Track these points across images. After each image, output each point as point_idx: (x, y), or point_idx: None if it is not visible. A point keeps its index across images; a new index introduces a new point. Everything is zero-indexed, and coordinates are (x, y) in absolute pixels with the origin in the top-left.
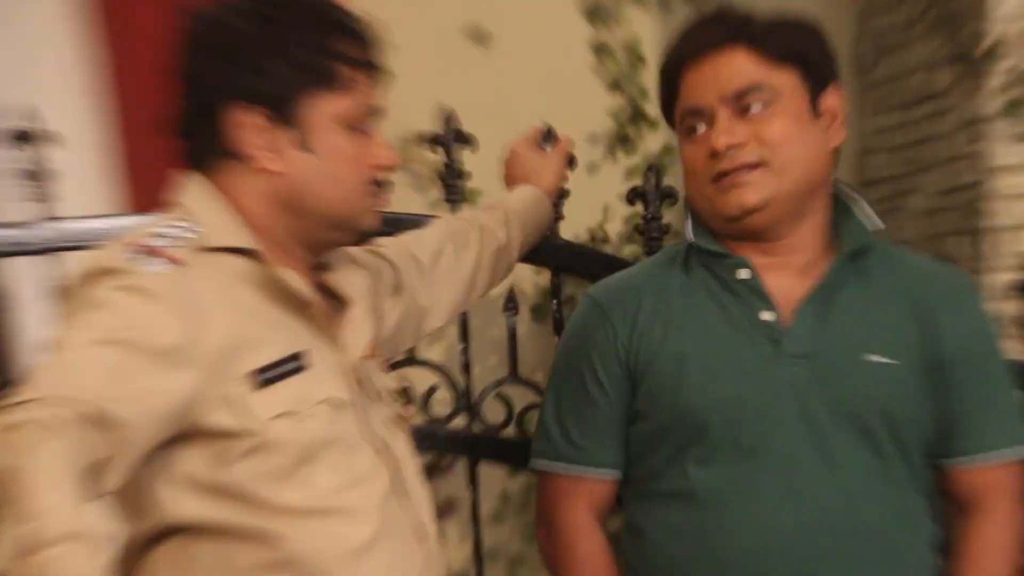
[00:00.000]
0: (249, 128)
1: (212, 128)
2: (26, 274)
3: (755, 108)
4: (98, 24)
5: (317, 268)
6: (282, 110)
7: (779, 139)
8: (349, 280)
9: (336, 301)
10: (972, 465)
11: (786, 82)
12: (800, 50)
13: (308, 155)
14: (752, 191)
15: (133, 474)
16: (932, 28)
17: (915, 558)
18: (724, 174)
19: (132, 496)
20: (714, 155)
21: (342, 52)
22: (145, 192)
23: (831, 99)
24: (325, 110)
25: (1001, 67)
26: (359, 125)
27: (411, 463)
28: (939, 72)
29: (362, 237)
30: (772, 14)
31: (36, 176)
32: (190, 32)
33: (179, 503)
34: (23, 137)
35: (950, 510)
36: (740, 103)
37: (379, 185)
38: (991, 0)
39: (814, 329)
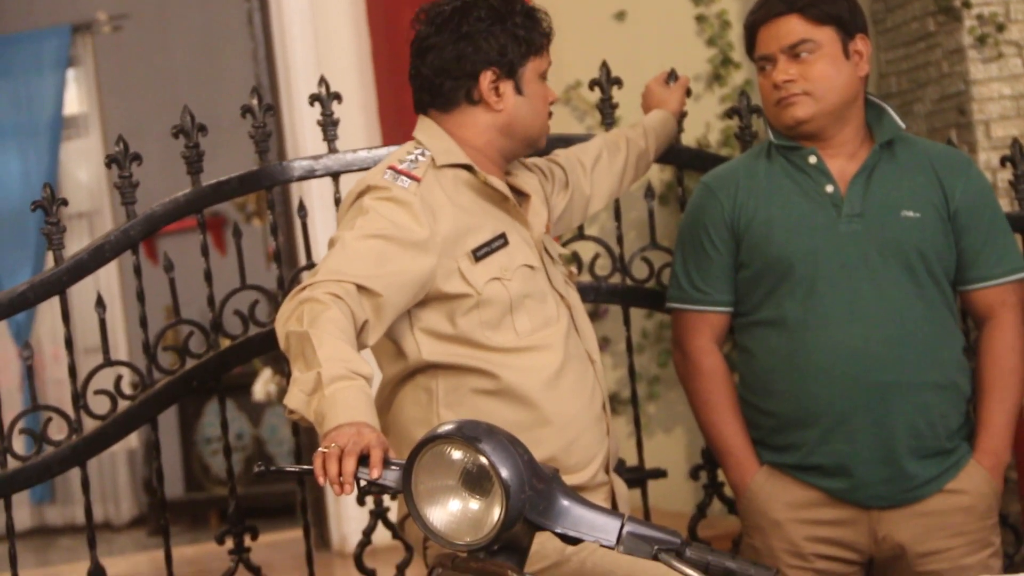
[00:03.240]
0: (486, 82)
1: (459, 83)
2: (317, 192)
3: (804, 55)
4: (372, 11)
5: (506, 173)
6: (508, 69)
7: (819, 76)
8: (526, 180)
9: (519, 195)
10: (983, 287)
11: (825, 36)
12: (835, 13)
13: (521, 97)
14: (800, 109)
15: (388, 331)
16: None
17: (949, 357)
18: (782, 99)
19: (390, 346)
20: (776, 87)
21: (541, 28)
22: (397, 131)
23: (858, 44)
24: (532, 67)
25: (972, 13)
26: (544, 76)
27: (581, 308)
28: (929, 19)
29: (537, 152)
30: None
31: (323, 123)
32: (441, 19)
33: (424, 348)
34: (315, 97)
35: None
36: (793, 51)
37: (550, 116)
38: None
39: (862, 196)
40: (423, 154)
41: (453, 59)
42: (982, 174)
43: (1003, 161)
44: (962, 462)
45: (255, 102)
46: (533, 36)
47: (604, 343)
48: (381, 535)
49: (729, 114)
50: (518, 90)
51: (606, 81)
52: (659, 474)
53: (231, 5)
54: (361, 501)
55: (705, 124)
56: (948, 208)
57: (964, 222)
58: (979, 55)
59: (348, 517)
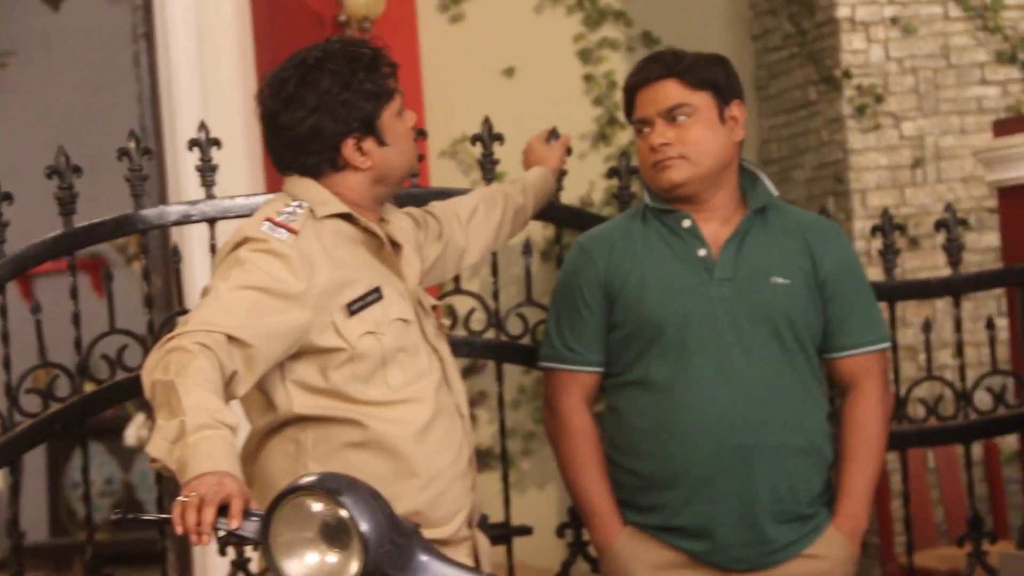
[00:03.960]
0: (349, 149)
1: (321, 157)
2: (196, 237)
3: (680, 119)
4: (260, 58)
5: (381, 218)
6: (366, 127)
7: (695, 140)
8: (400, 228)
9: (393, 245)
10: (848, 355)
11: (701, 101)
12: (711, 79)
13: (386, 147)
14: (674, 172)
15: (259, 383)
16: (805, 61)
17: (813, 423)
18: (659, 161)
19: (260, 398)
20: (653, 149)
21: (384, 71)
22: (278, 178)
23: (735, 110)
24: (388, 113)
25: (852, 83)
26: (402, 110)
27: (452, 361)
28: (810, 88)
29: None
30: (694, 54)
31: (201, 168)
32: (286, 94)
33: (295, 400)
34: (194, 142)
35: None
36: (670, 115)
37: (418, 137)
38: (843, 41)
39: (734, 261)
40: (300, 206)
41: (310, 135)
42: (850, 244)
43: (874, 231)
44: (821, 527)
45: (132, 145)
46: (381, 85)
47: (480, 397)
48: None
49: (609, 174)
50: (380, 142)
51: (488, 137)
52: (524, 531)
53: (118, 46)
54: (222, 552)
55: (589, 183)
56: (817, 276)
57: (832, 291)
58: (857, 125)
59: (212, 567)
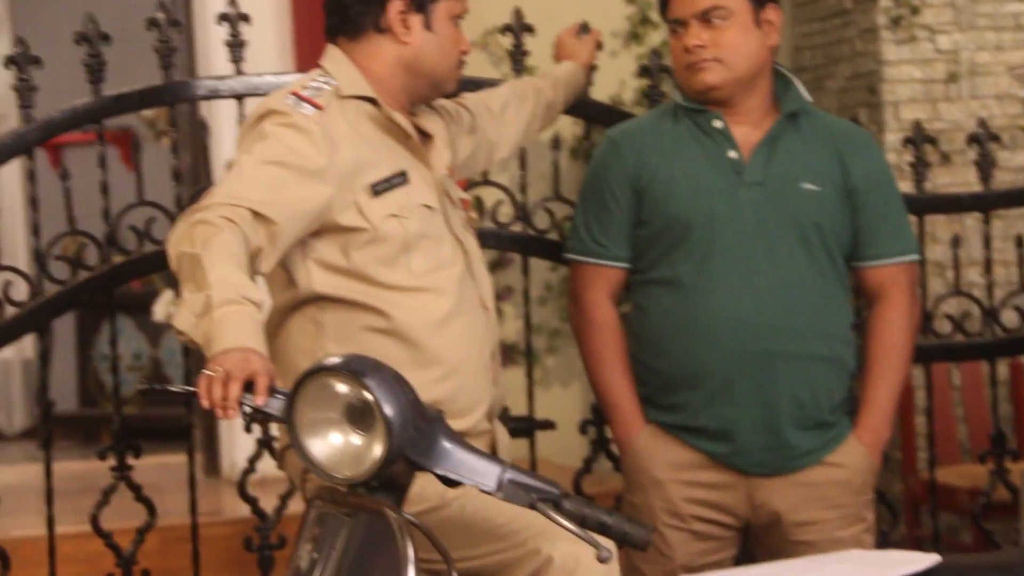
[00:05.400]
0: (394, 11)
1: (368, 9)
2: (224, 113)
3: (716, 20)
4: None
5: (411, 113)
6: (418, 2)
7: (729, 43)
8: (431, 121)
9: (423, 136)
10: (876, 265)
11: (737, 4)
12: None
13: (429, 33)
14: (708, 75)
15: (282, 259)
16: None
17: (837, 331)
18: (693, 63)
19: (282, 274)
20: (687, 51)
21: None
22: (309, 58)
23: (769, 14)
24: (444, 6)
25: None
26: (457, 21)
27: (479, 255)
28: None
29: (447, 96)
30: None
31: (230, 44)
32: None
33: (315, 279)
34: (223, 17)
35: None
36: (705, 17)
37: (462, 64)
38: None
39: (764, 165)
40: (328, 83)
41: None
42: (882, 153)
43: (905, 143)
44: (841, 436)
45: (161, 15)
46: None
47: (507, 292)
48: (268, 464)
49: (641, 72)
50: (427, 25)
51: (518, 28)
52: (547, 425)
53: None
54: (248, 428)
55: (620, 82)
56: (847, 184)
57: (862, 199)
58: (892, 36)
59: (238, 445)
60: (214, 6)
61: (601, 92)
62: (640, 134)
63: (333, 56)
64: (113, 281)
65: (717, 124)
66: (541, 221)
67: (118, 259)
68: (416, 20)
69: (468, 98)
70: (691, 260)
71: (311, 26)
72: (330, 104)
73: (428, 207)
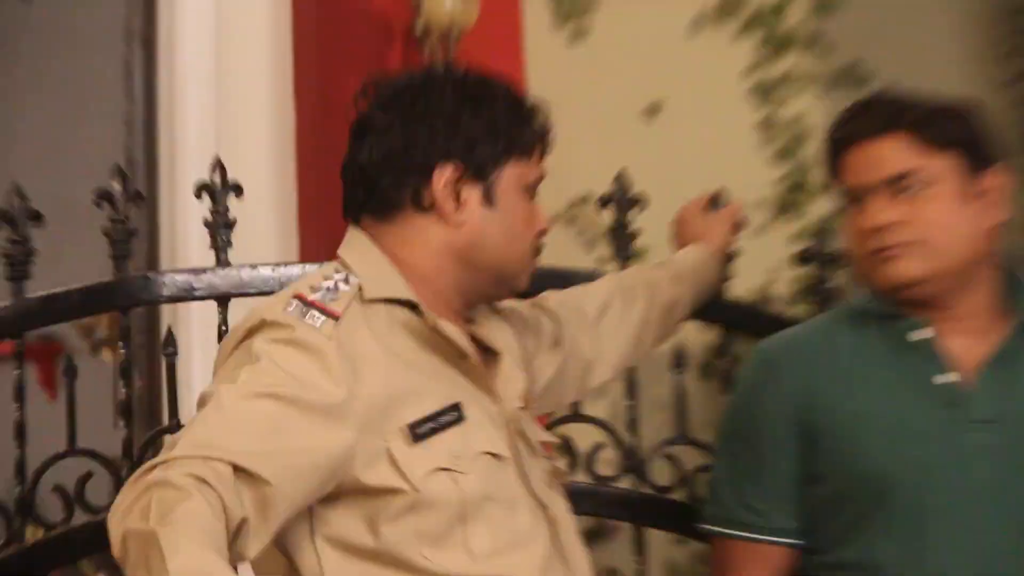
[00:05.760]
0: (442, 181)
1: (405, 179)
2: (198, 320)
3: (911, 190)
4: (301, 76)
5: (468, 321)
6: (476, 169)
7: (933, 221)
8: (496, 332)
9: (486, 352)
10: None
11: (943, 166)
12: (958, 136)
13: (490, 211)
14: (906, 266)
15: (279, 536)
16: None
17: None
18: (881, 250)
19: (277, 561)
20: (872, 231)
21: (532, 123)
22: (319, 243)
23: (993, 179)
24: (512, 173)
25: None
26: (532, 191)
27: (570, 524)
28: None
29: (519, 295)
30: (930, 99)
31: (212, 224)
32: (393, 95)
33: (329, 567)
34: (204, 187)
35: None
36: (898, 185)
37: (538, 249)
38: None
39: (999, 393)
40: (347, 280)
41: (400, 146)
42: None
43: None
44: None
45: (116, 186)
46: (519, 131)
47: None
48: None
49: (801, 259)
50: (488, 200)
51: (622, 199)
52: None
53: (104, 50)
54: None
55: (767, 270)
56: None
57: None
58: None
59: None
60: (189, 172)
61: (743, 287)
62: (807, 349)
63: (355, 243)
64: (26, 570)
65: (921, 335)
66: (660, 474)
67: (35, 536)
68: (473, 193)
69: (550, 298)
70: (893, 537)
71: (324, 201)
72: (350, 311)
73: (494, 456)
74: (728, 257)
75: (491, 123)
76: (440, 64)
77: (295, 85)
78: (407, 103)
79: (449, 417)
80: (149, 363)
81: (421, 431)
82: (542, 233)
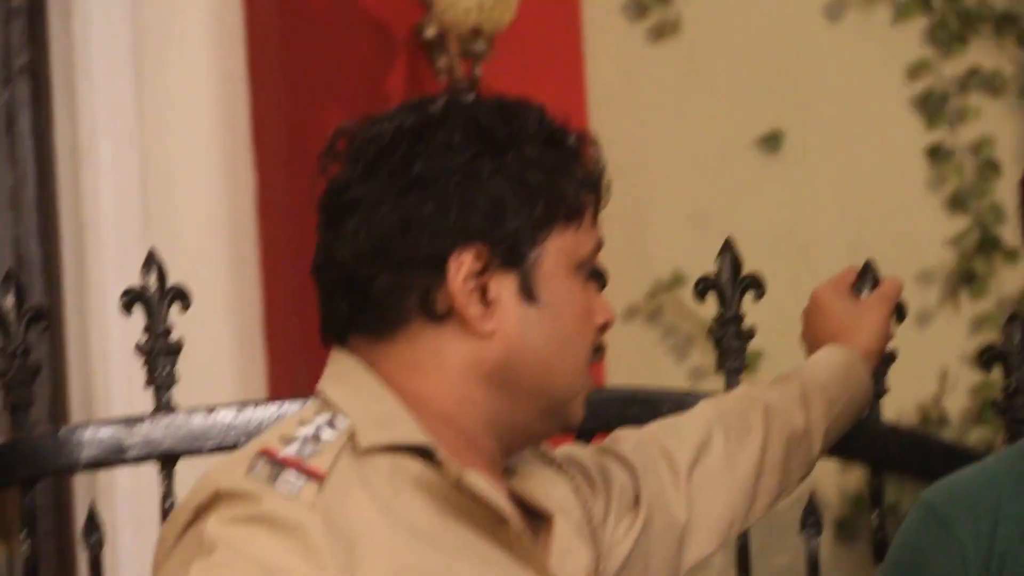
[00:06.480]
0: (461, 275)
1: (407, 279)
2: (127, 495)
3: None
4: (254, 128)
5: (505, 471)
6: (507, 250)
7: None
8: (546, 487)
9: (532, 517)
10: None
11: None
12: None
13: (532, 306)
14: None
15: None
16: None
17: None
18: None
19: None
20: None
21: (580, 170)
22: (298, 370)
23: None
24: (558, 248)
25: None
26: (587, 269)
27: None
28: None
29: (568, 430)
30: None
31: (147, 351)
32: (378, 151)
33: None
34: (133, 297)
35: None
36: None
37: (597, 352)
38: None
39: None
40: (332, 424)
41: (396, 229)
42: None
43: None
44: None
45: (9, 301)
46: (562, 183)
47: None
48: None
49: (985, 359)
50: (527, 293)
51: (731, 280)
52: None
53: None
54: None
55: (937, 378)
56: None
57: None
58: None
59: None
60: (106, 273)
61: (902, 405)
62: (992, 500)
63: (343, 371)
64: None
65: None
66: None
67: None
68: (505, 286)
69: (624, 439)
70: None
71: (301, 304)
72: (339, 468)
73: None
74: (882, 361)
75: (521, 178)
76: (440, 97)
77: (253, 125)
78: (399, 163)
79: None
80: (59, 557)
81: None
82: (604, 328)
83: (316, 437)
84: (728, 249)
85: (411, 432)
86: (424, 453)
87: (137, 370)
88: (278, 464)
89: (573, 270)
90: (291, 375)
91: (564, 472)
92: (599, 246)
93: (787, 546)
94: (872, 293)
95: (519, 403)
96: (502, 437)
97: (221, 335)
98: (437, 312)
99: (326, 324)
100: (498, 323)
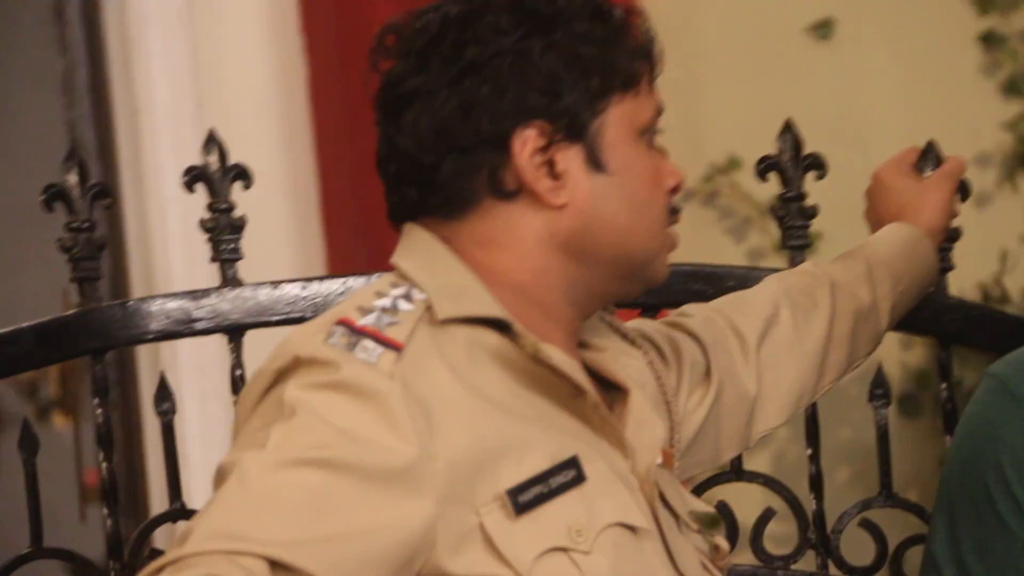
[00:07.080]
0: (526, 152)
1: (472, 161)
2: (192, 366)
3: None
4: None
5: (581, 345)
6: (569, 123)
7: None
8: (622, 360)
9: (608, 389)
10: None
11: None
12: None
13: (601, 175)
14: None
15: None
16: None
17: None
18: None
19: None
20: None
21: (632, 41)
22: (355, 248)
23: None
24: (619, 115)
25: None
26: (651, 134)
27: None
28: None
29: (653, 287)
30: None
31: (211, 227)
32: (427, 42)
33: None
34: (194, 175)
35: None
36: None
37: (673, 214)
38: None
39: None
40: (409, 297)
41: (455, 114)
42: None
43: None
44: None
45: (73, 179)
46: (615, 53)
47: None
48: None
49: None
50: (595, 163)
51: (792, 161)
52: None
53: None
54: None
55: (1000, 255)
56: None
57: None
58: None
59: None
60: (161, 154)
61: (967, 280)
62: None
63: (418, 245)
64: None
65: None
66: (853, 550)
67: None
68: (572, 158)
69: (693, 313)
70: None
71: (358, 186)
72: (417, 338)
73: (629, 528)
74: (947, 238)
75: (573, 53)
76: None
77: (302, 9)
78: (450, 50)
79: (563, 478)
80: (125, 428)
81: (526, 499)
82: (676, 190)
83: (394, 308)
84: (789, 129)
85: (486, 305)
86: (500, 326)
87: (195, 249)
88: (356, 333)
89: (636, 136)
90: (349, 253)
91: (637, 346)
92: (659, 111)
93: (853, 419)
94: (935, 172)
95: (596, 269)
96: (579, 303)
97: (280, 214)
98: (507, 190)
99: (394, 212)
100: (570, 194)
